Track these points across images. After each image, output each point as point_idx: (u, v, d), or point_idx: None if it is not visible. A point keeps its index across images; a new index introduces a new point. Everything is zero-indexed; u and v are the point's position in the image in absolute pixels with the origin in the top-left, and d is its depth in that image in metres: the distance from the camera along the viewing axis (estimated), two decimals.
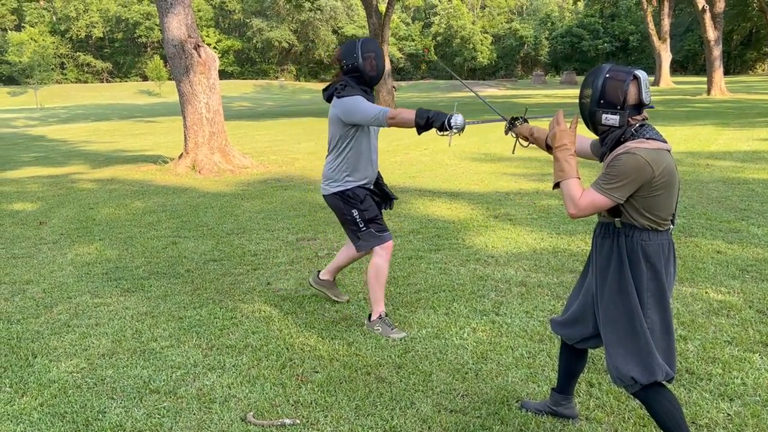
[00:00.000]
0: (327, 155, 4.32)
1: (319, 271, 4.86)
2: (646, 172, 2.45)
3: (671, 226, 2.60)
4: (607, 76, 2.53)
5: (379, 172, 4.47)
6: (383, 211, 4.48)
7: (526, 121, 3.20)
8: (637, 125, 2.54)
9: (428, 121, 3.79)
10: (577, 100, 2.71)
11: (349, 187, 4.22)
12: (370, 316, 4.32)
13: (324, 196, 4.36)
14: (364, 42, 4.15)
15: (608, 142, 2.59)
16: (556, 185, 2.67)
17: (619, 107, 2.52)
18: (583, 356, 2.99)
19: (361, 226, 4.25)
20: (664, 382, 2.58)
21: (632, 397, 3.15)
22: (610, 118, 2.54)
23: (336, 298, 4.82)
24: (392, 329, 4.21)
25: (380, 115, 3.95)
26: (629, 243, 2.56)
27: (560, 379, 3.07)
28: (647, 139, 2.51)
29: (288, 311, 4.68)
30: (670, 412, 2.56)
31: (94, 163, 14.26)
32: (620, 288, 2.58)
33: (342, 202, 4.25)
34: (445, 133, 3.75)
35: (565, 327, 2.89)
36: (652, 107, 2.60)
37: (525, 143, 3.17)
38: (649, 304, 2.55)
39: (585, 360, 3.02)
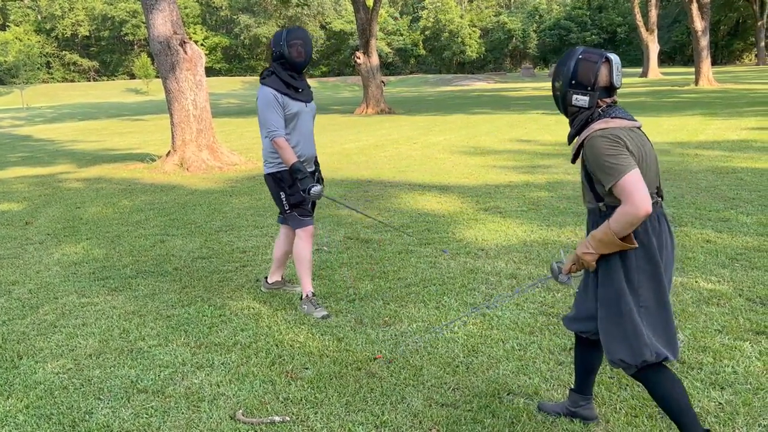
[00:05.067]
0: (263, 137, 4.51)
1: (266, 277, 5.08)
2: (620, 142, 2.42)
3: (659, 199, 2.57)
4: (580, 57, 2.53)
5: (316, 156, 4.71)
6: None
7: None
8: (605, 107, 2.54)
9: (295, 179, 4.31)
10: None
11: (282, 169, 4.45)
12: (301, 296, 4.54)
13: (264, 175, 4.60)
14: (290, 30, 4.40)
15: (576, 123, 2.59)
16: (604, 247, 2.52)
17: (589, 88, 2.51)
18: (597, 348, 2.87)
19: (285, 208, 4.53)
20: (665, 365, 2.54)
21: (633, 380, 3.15)
22: (580, 99, 2.53)
23: (293, 290, 4.98)
24: (316, 308, 4.46)
25: (272, 135, 4.31)
26: None
27: (577, 378, 2.98)
28: (612, 118, 2.49)
29: (277, 308, 4.65)
30: (670, 393, 2.52)
31: (81, 163, 14.14)
32: (607, 270, 2.55)
33: (273, 183, 4.52)
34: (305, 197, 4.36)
35: (575, 322, 2.81)
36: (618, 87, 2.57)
37: (582, 270, 2.75)
38: (641, 281, 2.51)
39: (601, 353, 2.88)
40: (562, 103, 2.62)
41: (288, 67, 4.37)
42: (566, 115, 2.64)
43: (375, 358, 3.72)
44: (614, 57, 2.52)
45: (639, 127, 2.56)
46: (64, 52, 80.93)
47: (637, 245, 2.48)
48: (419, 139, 15.21)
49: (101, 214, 8.36)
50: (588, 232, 2.69)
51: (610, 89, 2.54)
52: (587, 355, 2.92)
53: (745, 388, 3.22)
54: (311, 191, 4.29)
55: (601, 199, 2.56)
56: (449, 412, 3.14)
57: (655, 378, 2.54)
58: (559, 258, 3.07)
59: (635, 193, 2.36)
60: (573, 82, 2.54)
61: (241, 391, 3.43)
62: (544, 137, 14.41)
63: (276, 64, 4.38)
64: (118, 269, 5.81)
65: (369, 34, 25.71)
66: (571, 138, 2.65)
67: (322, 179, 4.80)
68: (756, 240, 5.66)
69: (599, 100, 2.53)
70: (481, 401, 3.23)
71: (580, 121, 2.57)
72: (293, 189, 4.44)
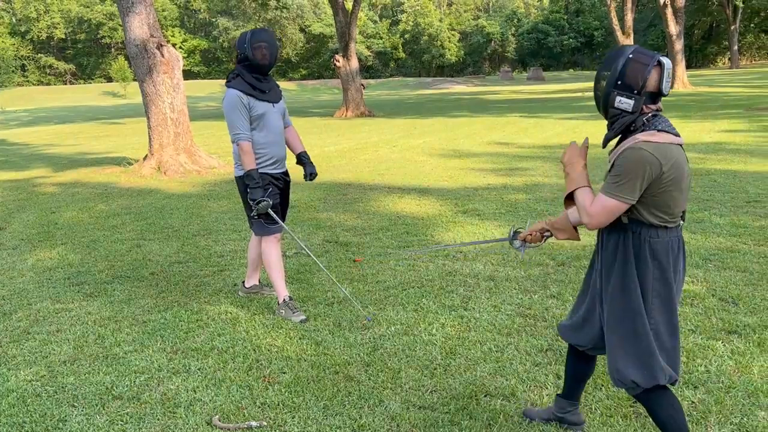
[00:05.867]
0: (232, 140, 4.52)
1: (243, 281, 5.04)
2: (653, 168, 2.30)
3: (681, 222, 2.47)
4: (630, 56, 2.36)
5: (305, 152, 4.74)
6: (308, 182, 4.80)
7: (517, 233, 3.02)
8: (650, 114, 2.39)
9: (249, 185, 4.31)
10: (593, 84, 2.56)
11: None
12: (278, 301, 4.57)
13: (234, 177, 4.58)
14: (255, 32, 4.38)
15: (616, 127, 2.43)
16: (568, 197, 2.59)
17: (635, 92, 2.35)
18: (591, 361, 2.85)
19: (253, 214, 4.45)
20: (667, 385, 2.48)
21: (607, 381, 3.18)
22: (624, 102, 2.37)
23: (270, 294, 4.94)
24: (294, 312, 4.44)
25: (236, 138, 4.33)
26: (636, 240, 2.43)
27: (567, 385, 2.94)
28: (658, 131, 2.35)
29: (255, 312, 4.62)
30: (671, 416, 2.46)
31: (56, 167, 13.96)
32: (623, 287, 2.46)
33: (243, 187, 4.44)
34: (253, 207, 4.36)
35: (574, 331, 2.75)
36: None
37: (538, 243, 2.95)
38: (654, 305, 2.43)
39: (593, 364, 2.87)
40: (603, 103, 2.45)
41: (253, 70, 4.35)
42: (606, 117, 2.48)
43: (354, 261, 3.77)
44: (667, 62, 2.36)
45: (681, 145, 2.41)
46: (39, 54, 79.90)
47: (580, 239, 2.84)
48: (398, 142, 15.24)
49: (77, 218, 8.26)
50: (599, 241, 2.61)
51: (657, 96, 2.39)
52: (580, 366, 2.87)
53: (717, 387, 3.27)
54: (259, 204, 4.30)
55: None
56: (427, 415, 3.15)
57: (660, 400, 2.48)
58: (523, 225, 3.18)
59: (603, 217, 2.42)
60: (619, 82, 2.37)
61: (218, 397, 3.41)
62: (522, 140, 14.51)
63: (241, 67, 4.36)
64: (93, 274, 5.74)
65: (348, 38, 25.72)
66: (606, 141, 2.51)
67: (315, 171, 4.69)
68: (728, 241, 5.75)
69: (644, 106, 2.38)
70: (458, 403, 3.24)
71: (620, 125, 2.41)
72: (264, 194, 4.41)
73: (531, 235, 2.93)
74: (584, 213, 2.47)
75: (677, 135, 2.40)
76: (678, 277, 2.49)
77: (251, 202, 4.33)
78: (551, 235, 2.89)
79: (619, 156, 2.38)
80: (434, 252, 5.86)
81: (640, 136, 2.35)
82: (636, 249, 2.43)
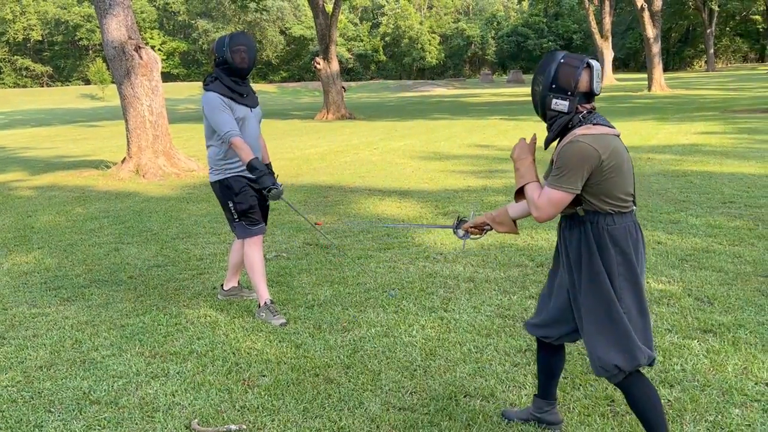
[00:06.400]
0: (208, 145, 4.47)
1: (222, 284, 5.00)
2: (592, 158, 2.43)
3: (634, 207, 2.59)
4: (562, 61, 2.52)
5: (270, 164, 4.65)
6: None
7: (463, 221, 3.19)
8: (585, 112, 2.54)
9: (255, 176, 4.25)
10: (530, 90, 2.70)
11: (228, 176, 4.41)
12: (258, 304, 4.54)
13: (210, 182, 4.55)
14: (234, 36, 4.38)
15: (555, 128, 2.57)
16: (519, 192, 2.70)
17: (569, 93, 2.50)
18: (560, 352, 2.91)
19: (234, 217, 4.47)
20: (642, 372, 2.57)
21: (585, 380, 3.21)
22: (560, 104, 2.52)
23: (250, 297, 4.92)
24: (274, 316, 4.42)
25: (226, 136, 4.24)
26: (595, 230, 2.54)
27: (541, 383, 2.98)
28: (594, 125, 2.50)
29: (234, 315, 4.60)
30: (651, 401, 2.54)
31: (33, 170, 13.78)
32: (592, 277, 2.55)
33: (220, 191, 4.46)
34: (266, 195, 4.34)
35: (542, 328, 2.81)
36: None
37: (479, 235, 3.12)
38: (623, 288, 2.53)
39: (563, 357, 2.93)
40: (540, 106, 2.60)
41: (231, 73, 4.34)
42: (544, 119, 2.62)
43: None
44: (595, 64, 2.53)
45: (617, 135, 2.56)
46: (15, 57, 78.78)
47: (518, 233, 3.01)
48: (379, 145, 15.26)
49: (54, 222, 8.16)
50: (562, 240, 2.68)
51: (590, 95, 2.54)
52: (550, 360, 2.92)
53: (693, 385, 3.31)
54: (271, 192, 4.22)
55: (578, 203, 2.55)
56: (406, 416, 3.16)
57: (638, 384, 2.55)
58: (467, 216, 3.33)
59: (550, 209, 2.54)
60: (553, 86, 2.53)
61: (197, 401, 3.39)
62: (501, 142, 14.60)
63: (219, 70, 4.36)
64: (70, 279, 5.68)
65: (329, 40, 25.71)
66: (548, 142, 2.65)
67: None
68: (704, 241, 5.83)
69: (578, 106, 2.53)
70: (438, 404, 3.25)
71: (558, 125, 2.56)
72: (240, 197, 4.38)
73: (474, 228, 3.10)
74: (533, 206, 2.59)
75: (612, 127, 2.55)
76: (640, 259, 2.60)
77: (263, 191, 4.24)
78: (491, 229, 3.04)
79: (560, 151, 2.51)
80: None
81: (578, 131, 2.50)
82: (597, 238, 2.54)
